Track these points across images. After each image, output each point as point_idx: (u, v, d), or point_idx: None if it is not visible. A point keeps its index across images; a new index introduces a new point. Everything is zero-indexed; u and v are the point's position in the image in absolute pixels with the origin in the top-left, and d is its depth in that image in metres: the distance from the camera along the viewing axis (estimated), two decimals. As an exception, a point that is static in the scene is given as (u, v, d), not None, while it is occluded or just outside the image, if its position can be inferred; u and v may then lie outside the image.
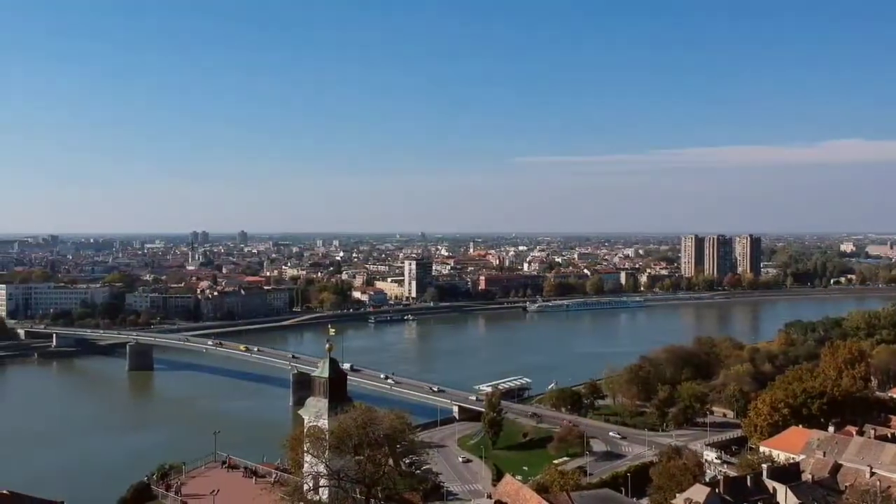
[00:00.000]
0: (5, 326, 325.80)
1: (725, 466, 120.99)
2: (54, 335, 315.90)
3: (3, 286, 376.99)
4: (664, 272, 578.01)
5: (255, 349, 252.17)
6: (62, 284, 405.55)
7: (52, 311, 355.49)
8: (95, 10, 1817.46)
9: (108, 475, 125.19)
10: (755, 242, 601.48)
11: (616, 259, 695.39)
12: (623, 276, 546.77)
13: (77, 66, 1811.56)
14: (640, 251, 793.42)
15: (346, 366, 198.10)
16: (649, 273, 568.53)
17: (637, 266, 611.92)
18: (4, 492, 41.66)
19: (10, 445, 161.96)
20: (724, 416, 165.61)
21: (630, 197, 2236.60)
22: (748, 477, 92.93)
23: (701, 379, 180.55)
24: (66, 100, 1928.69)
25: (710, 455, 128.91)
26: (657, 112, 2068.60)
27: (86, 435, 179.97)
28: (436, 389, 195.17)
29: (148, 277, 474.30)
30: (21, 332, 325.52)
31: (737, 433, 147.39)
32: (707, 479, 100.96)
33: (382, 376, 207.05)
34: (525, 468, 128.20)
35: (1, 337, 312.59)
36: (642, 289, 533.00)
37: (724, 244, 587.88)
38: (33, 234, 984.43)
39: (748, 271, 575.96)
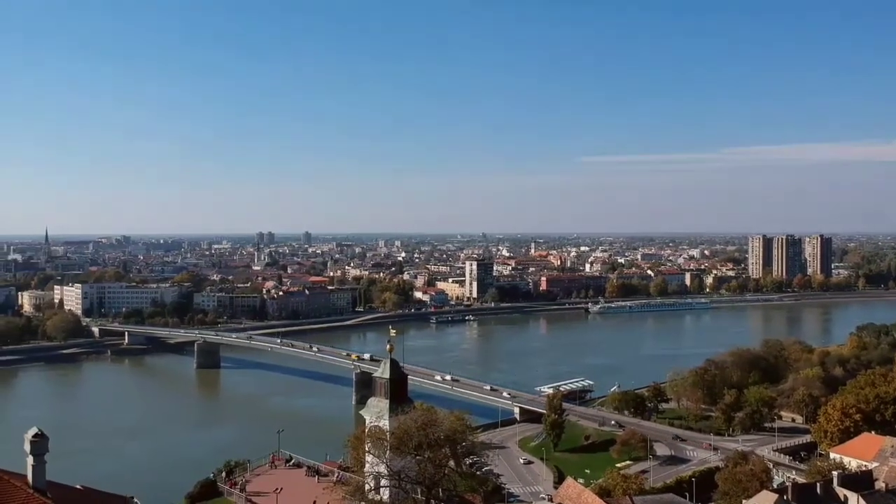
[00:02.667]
0: (81, 324, 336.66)
1: (794, 473, 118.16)
2: (126, 333, 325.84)
3: (79, 286, 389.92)
4: (731, 273, 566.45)
5: (315, 349, 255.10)
6: (134, 284, 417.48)
7: (124, 309, 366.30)
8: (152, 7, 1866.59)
9: (176, 470, 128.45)
10: (826, 242, 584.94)
11: (681, 260, 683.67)
12: (688, 277, 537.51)
13: (151, 69, 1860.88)
14: (706, 252, 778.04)
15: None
16: (715, 274, 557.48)
17: (703, 267, 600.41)
18: (78, 487, 42.95)
19: (88, 439, 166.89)
20: (793, 421, 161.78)
21: (696, 196, 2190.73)
22: (818, 484, 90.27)
23: (769, 383, 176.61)
24: (136, 102, 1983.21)
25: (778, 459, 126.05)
26: (725, 110, 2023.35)
27: (156, 431, 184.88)
28: (487, 388, 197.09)
29: (215, 277, 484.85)
30: (95, 329, 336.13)
31: (806, 439, 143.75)
32: (775, 486, 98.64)
33: (438, 378, 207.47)
34: (587, 471, 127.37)
35: (77, 334, 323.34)
36: (708, 290, 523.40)
37: (794, 244, 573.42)
38: (107, 235, 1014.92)
39: (818, 272, 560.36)
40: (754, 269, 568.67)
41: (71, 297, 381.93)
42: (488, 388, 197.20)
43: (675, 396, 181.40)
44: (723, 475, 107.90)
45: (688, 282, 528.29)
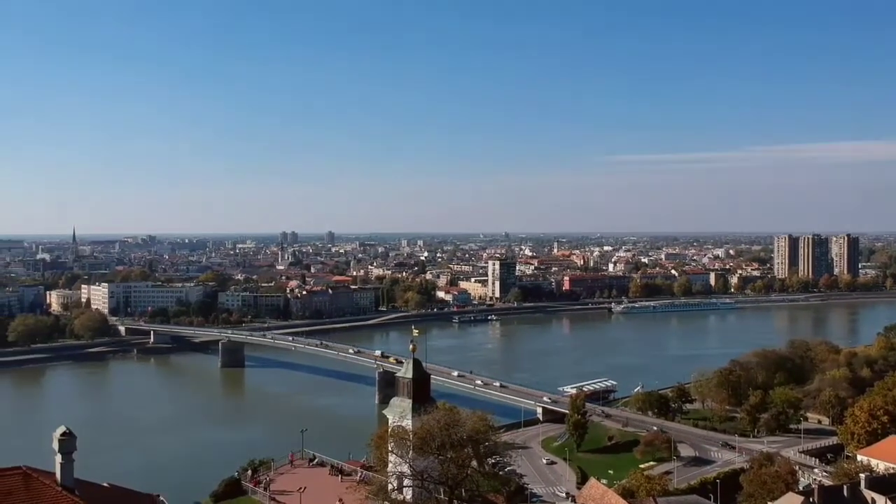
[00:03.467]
0: (107, 323, 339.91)
1: (820, 475, 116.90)
2: (152, 332, 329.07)
3: (106, 285, 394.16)
4: (756, 273, 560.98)
5: (352, 350, 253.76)
6: (159, 283, 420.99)
7: (149, 308, 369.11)
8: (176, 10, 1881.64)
9: (201, 469, 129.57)
10: (853, 242, 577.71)
11: (705, 259, 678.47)
12: (712, 276, 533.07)
13: (178, 72, 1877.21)
14: (731, 251, 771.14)
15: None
16: (740, 274, 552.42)
17: (727, 267, 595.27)
18: (105, 485, 43.46)
19: (115, 437, 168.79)
20: (819, 422, 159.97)
21: (721, 195, 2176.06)
22: (845, 486, 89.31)
23: (794, 384, 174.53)
24: (163, 105, 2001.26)
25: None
26: (749, 109, 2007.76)
27: (181, 429, 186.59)
28: (498, 384, 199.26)
29: (240, 277, 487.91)
30: (122, 328, 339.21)
31: (832, 440, 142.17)
32: (801, 488, 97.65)
33: (455, 374, 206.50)
34: (610, 472, 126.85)
35: (104, 333, 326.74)
36: (733, 290, 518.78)
37: (820, 244, 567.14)
38: (132, 235, 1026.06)
39: (845, 272, 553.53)
40: (780, 268, 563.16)
41: (98, 296, 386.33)
42: (497, 384, 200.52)
43: (700, 397, 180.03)
44: (748, 477, 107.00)
45: (712, 282, 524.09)
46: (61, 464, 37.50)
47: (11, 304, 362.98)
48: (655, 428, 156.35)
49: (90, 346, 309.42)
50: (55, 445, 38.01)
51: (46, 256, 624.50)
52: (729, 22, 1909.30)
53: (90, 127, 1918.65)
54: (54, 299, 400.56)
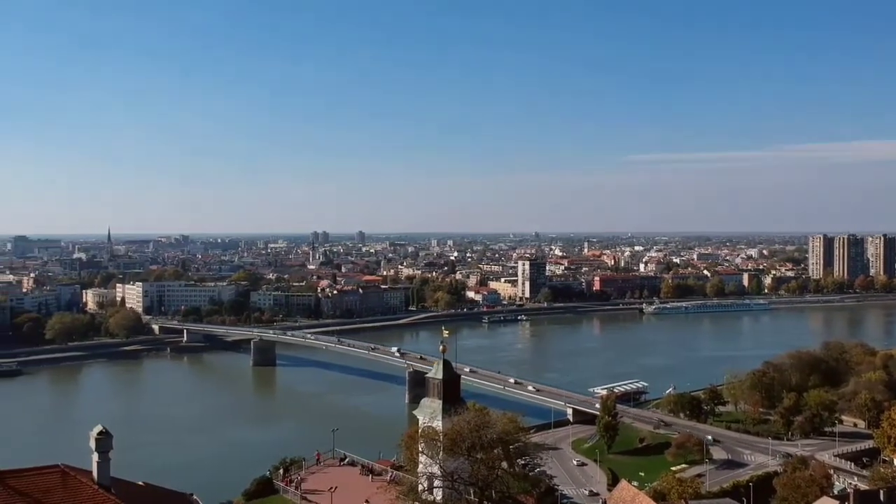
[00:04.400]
0: (141, 322, 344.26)
1: (856, 479, 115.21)
2: (185, 331, 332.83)
3: (140, 284, 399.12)
4: (790, 274, 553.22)
5: (397, 350, 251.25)
6: (192, 283, 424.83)
7: (182, 307, 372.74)
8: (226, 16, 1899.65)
9: (233, 467, 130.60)
10: (889, 242, 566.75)
11: (738, 260, 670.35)
12: (746, 277, 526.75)
13: (209, 75, 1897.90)
14: (765, 252, 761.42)
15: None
16: (774, 275, 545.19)
17: (761, 267, 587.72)
18: (140, 483, 44.10)
19: (149, 434, 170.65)
20: (855, 425, 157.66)
21: (754, 195, 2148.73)
22: (881, 491, 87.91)
23: (829, 386, 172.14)
24: (198, 108, 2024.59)
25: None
26: (781, 106, 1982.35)
27: (214, 427, 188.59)
28: (513, 380, 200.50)
29: (271, 276, 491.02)
30: (156, 327, 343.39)
31: (868, 444, 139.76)
32: (836, 492, 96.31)
33: (467, 370, 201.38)
34: (641, 474, 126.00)
35: (138, 332, 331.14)
36: (766, 291, 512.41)
37: (856, 244, 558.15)
38: (166, 234, 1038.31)
39: (881, 273, 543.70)
40: (815, 269, 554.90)
41: (132, 295, 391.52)
42: (513, 380, 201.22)
43: (733, 399, 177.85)
44: (781, 480, 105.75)
45: (745, 282, 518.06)
46: (98, 462, 38.11)
47: (49, 303, 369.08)
48: (689, 430, 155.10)
49: (125, 345, 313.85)
50: (92, 444, 38.64)
51: (83, 256, 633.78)
52: (758, 15, 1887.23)
53: (124, 130, 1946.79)
54: (90, 298, 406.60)
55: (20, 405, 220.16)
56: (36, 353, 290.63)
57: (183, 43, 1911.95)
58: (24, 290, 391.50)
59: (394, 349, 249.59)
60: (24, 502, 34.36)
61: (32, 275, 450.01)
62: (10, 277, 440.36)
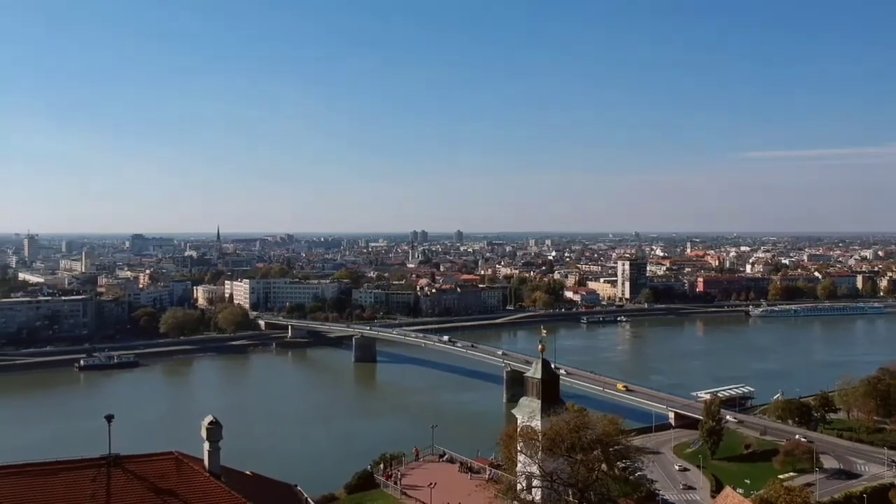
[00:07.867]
0: (248, 318, 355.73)
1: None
2: (290, 326, 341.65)
3: (247, 281, 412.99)
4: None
5: (501, 351, 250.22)
6: (297, 280, 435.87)
7: (287, 304, 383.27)
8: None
9: (335, 460, 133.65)
10: None
11: (852, 261, 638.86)
12: (860, 279, 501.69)
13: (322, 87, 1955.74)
14: (880, 252, 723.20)
15: (562, 371, 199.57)
16: (891, 277, 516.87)
17: (876, 269, 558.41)
18: (247, 472, 45.69)
19: (255, 426, 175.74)
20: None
21: (868, 193, 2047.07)
22: None
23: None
24: (303, 113, 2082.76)
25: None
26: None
27: (317, 421, 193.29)
28: (563, 370, 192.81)
29: (372, 274, 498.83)
30: (262, 323, 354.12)
31: None
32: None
33: (563, 371, 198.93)
34: (747, 481, 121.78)
35: (245, 327, 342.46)
36: (882, 294, 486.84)
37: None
38: (272, 233, 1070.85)
39: None
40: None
41: (240, 291, 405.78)
42: (564, 370, 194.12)
43: (845, 406, 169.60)
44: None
45: (859, 284, 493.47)
46: (209, 451, 39.76)
47: (163, 298, 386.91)
48: (798, 436, 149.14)
49: (232, 339, 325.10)
50: (203, 433, 40.30)
51: (193, 254, 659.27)
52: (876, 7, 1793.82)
53: (232, 134, 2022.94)
54: (200, 294, 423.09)
55: (138, 395, 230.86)
56: (151, 346, 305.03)
57: (305, 53, 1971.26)
58: (141, 287, 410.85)
59: (499, 352, 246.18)
60: (141, 486, 36.18)
61: (148, 272, 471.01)
62: (129, 274, 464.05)
